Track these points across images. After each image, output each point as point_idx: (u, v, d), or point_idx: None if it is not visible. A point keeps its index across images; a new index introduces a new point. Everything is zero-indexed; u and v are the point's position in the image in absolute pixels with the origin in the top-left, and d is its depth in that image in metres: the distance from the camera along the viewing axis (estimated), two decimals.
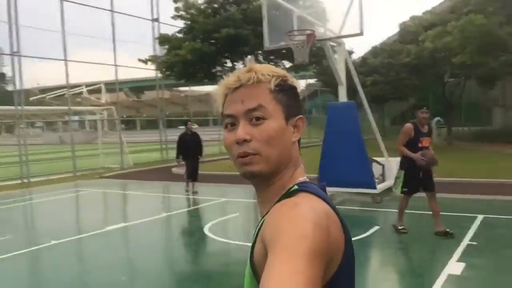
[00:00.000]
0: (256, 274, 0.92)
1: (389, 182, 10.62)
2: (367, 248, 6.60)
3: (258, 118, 0.98)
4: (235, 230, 8.41)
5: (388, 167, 11.00)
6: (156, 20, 21.24)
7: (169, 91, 52.13)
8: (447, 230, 6.70)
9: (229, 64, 18.89)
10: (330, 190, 10.09)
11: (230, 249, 6.89)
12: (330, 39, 10.07)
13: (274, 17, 11.24)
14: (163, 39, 19.18)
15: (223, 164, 16.40)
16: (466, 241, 6.42)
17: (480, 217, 7.88)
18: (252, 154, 0.97)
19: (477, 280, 5.15)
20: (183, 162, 11.51)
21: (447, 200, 9.40)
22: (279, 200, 0.96)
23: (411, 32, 23.43)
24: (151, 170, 18.79)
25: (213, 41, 17.07)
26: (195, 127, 18.20)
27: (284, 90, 1.01)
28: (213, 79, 19.77)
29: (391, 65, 23.52)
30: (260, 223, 0.98)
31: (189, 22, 18.10)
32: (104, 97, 47.52)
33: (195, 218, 9.83)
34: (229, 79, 1.02)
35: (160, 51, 20.94)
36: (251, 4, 16.80)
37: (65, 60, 17.54)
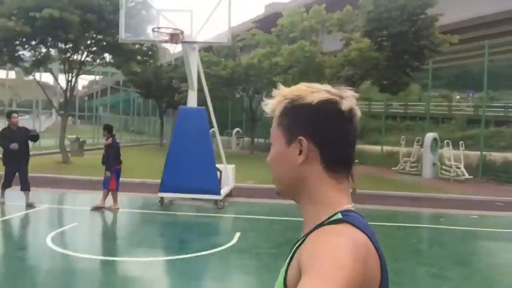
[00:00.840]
0: None
1: (228, 188, 11.04)
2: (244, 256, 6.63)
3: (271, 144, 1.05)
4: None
5: (225, 173, 11.28)
6: None
7: None
8: None
9: (43, 49, 16.34)
10: (169, 196, 9.96)
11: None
12: (195, 42, 9.81)
13: (130, 9, 10.38)
14: None
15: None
16: None
17: None
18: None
19: None
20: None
21: None
22: (320, 225, 0.94)
23: (226, 47, 24.72)
24: None
25: (25, 20, 14.54)
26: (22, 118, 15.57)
27: (286, 113, 1.00)
28: (16, 63, 16.89)
29: (207, 75, 24.19)
30: (299, 241, 0.97)
31: None
32: None
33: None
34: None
35: None
36: None
37: None
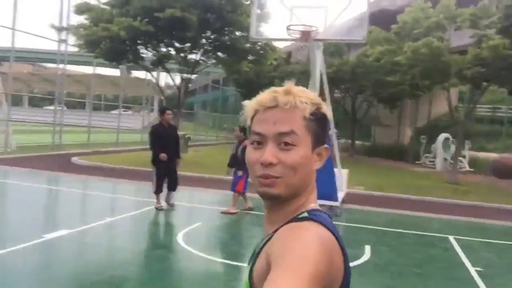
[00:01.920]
0: None
1: (342, 194, 10.46)
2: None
3: (287, 143, 0.98)
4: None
5: (339, 178, 10.65)
6: None
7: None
8: None
9: (163, 48, 16.88)
10: None
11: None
12: (329, 40, 9.30)
13: (260, 6, 10.12)
14: (83, 8, 16.45)
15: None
16: None
17: None
18: (275, 177, 0.98)
19: None
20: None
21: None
22: (287, 222, 0.98)
23: (333, 45, 23.97)
24: (42, 157, 16.05)
25: (149, 20, 15.05)
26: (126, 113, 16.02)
27: (317, 118, 1.01)
28: (138, 62, 17.63)
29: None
30: (264, 241, 1.02)
31: None
32: None
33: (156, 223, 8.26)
34: (265, 97, 1.01)
35: (67, 20, 18.10)
36: None
37: None
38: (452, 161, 21.16)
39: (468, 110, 15.79)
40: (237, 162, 8.71)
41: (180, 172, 13.61)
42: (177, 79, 18.68)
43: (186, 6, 14.57)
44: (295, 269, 0.80)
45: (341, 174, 10.90)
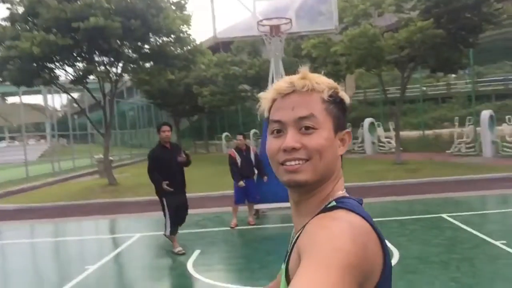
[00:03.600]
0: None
1: None
2: None
3: (307, 128, 0.97)
4: None
5: None
6: None
7: None
8: None
9: (79, 64, 14.94)
10: (264, 207, 8.89)
11: None
12: (300, 33, 8.78)
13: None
14: None
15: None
16: None
17: None
18: (300, 159, 0.96)
19: None
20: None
21: None
22: (317, 214, 0.96)
23: (249, 44, 23.68)
24: None
25: (65, 32, 13.24)
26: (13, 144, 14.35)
27: (336, 102, 1.01)
28: (53, 83, 15.47)
29: (232, 76, 23.12)
30: (297, 235, 0.98)
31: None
32: None
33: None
34: (281, 84, 1.01)
35: None
36: None
37: None
38: (380, 143, 22.33)
39: (401, 90, 16.41)
40: (258, 168, 8.15)
41: (142, 197, 12.34)
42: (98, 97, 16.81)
43: (107, 14, 13.04)
44: (325, 261, 0.78)
45: None
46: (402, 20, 14.76)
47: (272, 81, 9.83)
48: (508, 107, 21.55)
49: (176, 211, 6.64)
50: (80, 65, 14.73)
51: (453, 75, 39.04)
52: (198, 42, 16.41)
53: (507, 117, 17.24)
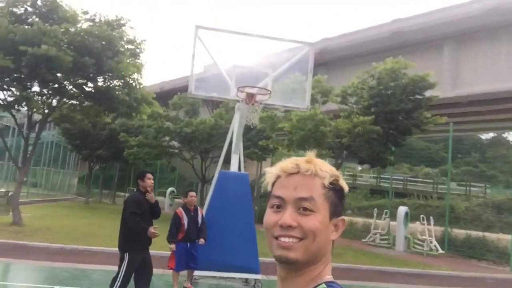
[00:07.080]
0: None
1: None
2: None
3: (305, 209, 1.01)
4: None
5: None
6: None
7: None
8: None
9: (13, 89, 13.63)
10: (201, 274, 8.49)
11: None
12: (273, 105, 8.90)
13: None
14: None
15: None
16: None
17: None
18: (294, 237, 1.00)
19: None
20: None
21: None
22: None
23: (188, 103, 23.67)
24: None
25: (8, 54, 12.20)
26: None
27: (335, 189, 1.06)
28: None
29: (169, 131, 22.68)
30: None
31: None
32: None
33: None
34: (287, 164, 1.06)
35: None
36: (73, 27, 13.21)
37: None
38: None
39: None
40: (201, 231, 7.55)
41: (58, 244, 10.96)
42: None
43: (60, 45, 12.31)
44: None
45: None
46: (343, 111, 15.74)
47: (230, 144, 9.75)
48: (422, 207, 23.29)
49: (137, 271, 5.87)
50: (14, 90, 13.48)
51: (359, 168, 42.38)
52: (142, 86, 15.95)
53: (421, 216, 18.57)
